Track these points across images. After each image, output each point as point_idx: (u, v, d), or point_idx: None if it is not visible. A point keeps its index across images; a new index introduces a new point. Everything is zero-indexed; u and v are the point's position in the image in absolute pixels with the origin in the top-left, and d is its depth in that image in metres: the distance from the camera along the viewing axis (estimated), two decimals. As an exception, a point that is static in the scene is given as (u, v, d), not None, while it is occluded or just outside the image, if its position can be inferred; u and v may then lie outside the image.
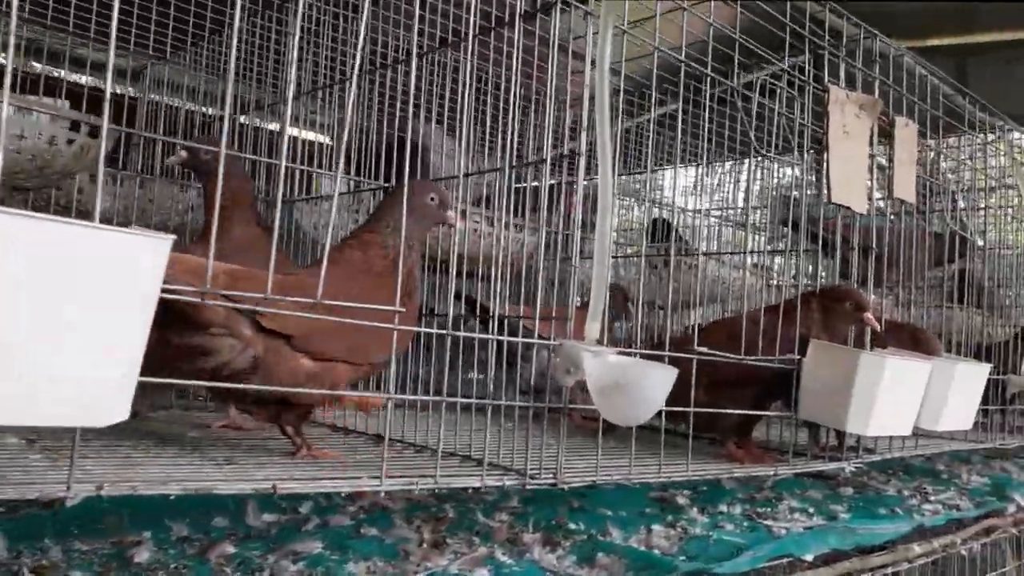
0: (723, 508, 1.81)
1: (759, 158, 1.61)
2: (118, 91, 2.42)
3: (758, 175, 2.28)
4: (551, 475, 1.16)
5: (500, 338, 1.18)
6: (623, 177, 3.88)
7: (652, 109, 1.56)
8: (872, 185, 1.65)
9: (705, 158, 2.54)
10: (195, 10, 2.10)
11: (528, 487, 1.18)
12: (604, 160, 1.07)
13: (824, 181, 1.46)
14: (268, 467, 1.26)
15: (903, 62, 1.69)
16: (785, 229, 2.36)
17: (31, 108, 1.64)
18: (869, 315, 1.71)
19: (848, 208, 1.50)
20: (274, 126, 2.13)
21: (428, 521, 1.45)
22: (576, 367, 1.06)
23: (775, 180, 2.13)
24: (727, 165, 3.61)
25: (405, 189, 1.17)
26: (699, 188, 2.90)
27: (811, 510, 1.86)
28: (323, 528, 1.36)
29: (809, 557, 1.54)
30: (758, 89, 1.51)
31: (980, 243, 2.78)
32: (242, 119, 2.14)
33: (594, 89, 1.05)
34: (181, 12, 2.11)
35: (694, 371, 1.39)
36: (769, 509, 1.83)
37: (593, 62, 1.06)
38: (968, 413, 1.76)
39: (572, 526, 1.48)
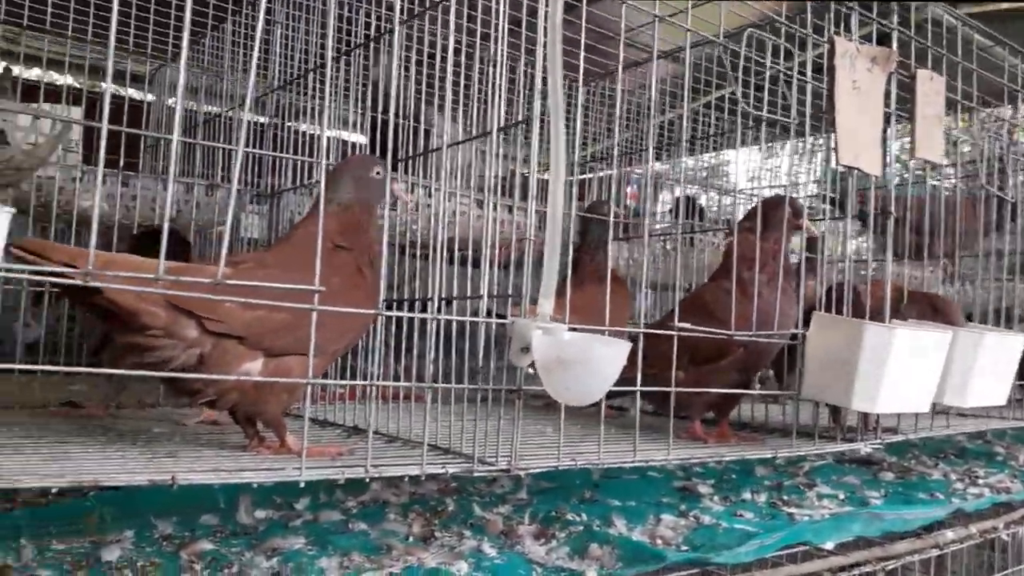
0: (746, 496, 1.72)
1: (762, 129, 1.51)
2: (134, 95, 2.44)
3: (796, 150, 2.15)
4: (506, 461, 1.10)
5: (439, 317, 1.12)
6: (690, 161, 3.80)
7: (686, 100, 1.47)
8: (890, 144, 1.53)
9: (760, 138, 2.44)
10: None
11: (477, 473, 1.13)
12: (556, 125, 1.00)
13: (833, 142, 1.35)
14: (203, 460, 1.21)
15: (927, 11, 1.56)
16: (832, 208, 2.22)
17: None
18: (805, 221, 1.62)
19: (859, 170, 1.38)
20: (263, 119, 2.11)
21: (423, 515, 1.41)
22: (529, 346, 1.00)
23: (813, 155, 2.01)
24: (781, 145, 3.49)
25: (348, 164, 1.12)
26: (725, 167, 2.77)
27: (843, 496, 1.76)
28: (312, 523, 1.34)
29: (829, 545, 1.44)
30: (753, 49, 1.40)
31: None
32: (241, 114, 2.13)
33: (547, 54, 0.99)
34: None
35: (641, 349, 1.30)
36: (796, 496, 1.73)
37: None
38: (1001, 388, 1.61)
39: (572, 517, 1.43)
